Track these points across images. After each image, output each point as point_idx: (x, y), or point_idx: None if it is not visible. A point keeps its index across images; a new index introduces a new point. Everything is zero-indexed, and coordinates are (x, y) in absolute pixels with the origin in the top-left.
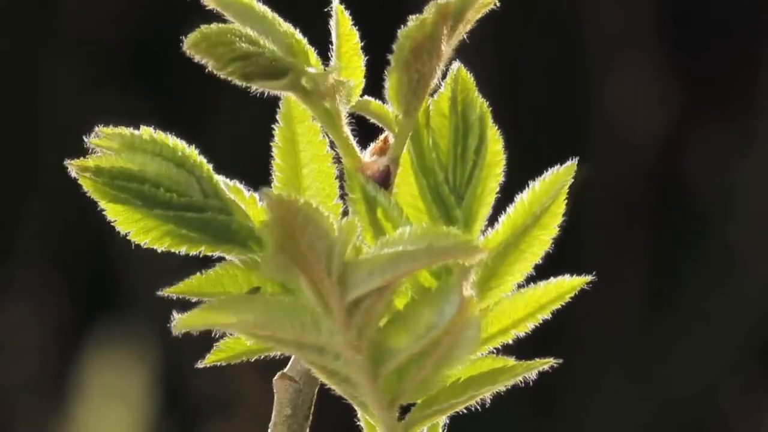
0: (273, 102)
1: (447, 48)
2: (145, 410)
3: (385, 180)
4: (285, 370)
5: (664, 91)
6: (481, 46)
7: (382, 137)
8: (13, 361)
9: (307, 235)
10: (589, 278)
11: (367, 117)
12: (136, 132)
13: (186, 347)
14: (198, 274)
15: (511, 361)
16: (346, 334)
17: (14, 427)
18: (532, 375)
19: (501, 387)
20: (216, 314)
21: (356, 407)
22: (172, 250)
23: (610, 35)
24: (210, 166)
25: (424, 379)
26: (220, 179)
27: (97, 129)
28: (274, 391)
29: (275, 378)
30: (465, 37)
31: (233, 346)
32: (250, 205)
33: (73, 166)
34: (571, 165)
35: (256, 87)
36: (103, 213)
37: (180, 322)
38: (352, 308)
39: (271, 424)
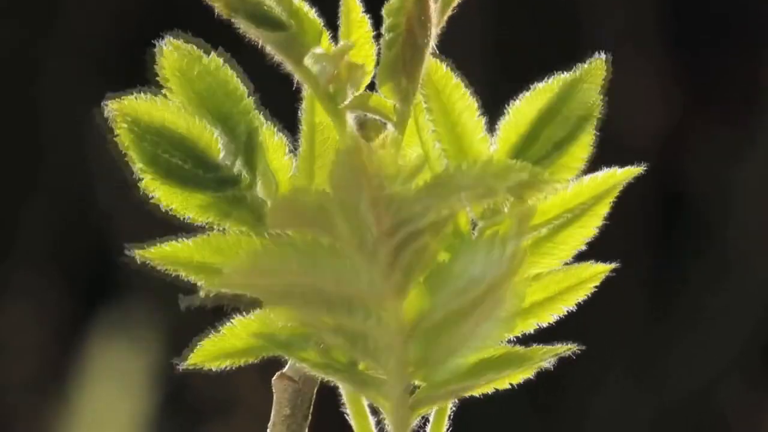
0: (273, 112)
1: (436, 11)
2: (145, 410)
3: None
4: (284, 370)
5: (663, 89)
6: (480, 43)
7: (380, 137)
8: (13, 361)
9: (364, 170)
10: (613, 266)
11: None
12: (206, 56)
13: (186, 348)
14: (174, 240)
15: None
16: (389, 280)
17: (14, 427)
18: (550, 363)
19: (518, 372)
20: (245, 273)
21: (357, 392)
22: (177, 215)
23: (610, 32)
24: (261, 117)
25: (451, 346)
26: (265, 127)
27: (168, 37)
28: (273, 391)
29: (274, 378)
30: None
31: (224, 342)
32: (284, 169)
33: (109, 106)
34: (630, 169)
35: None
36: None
37: (203, 289)
38: (399, 250)
39: (270, 424)
